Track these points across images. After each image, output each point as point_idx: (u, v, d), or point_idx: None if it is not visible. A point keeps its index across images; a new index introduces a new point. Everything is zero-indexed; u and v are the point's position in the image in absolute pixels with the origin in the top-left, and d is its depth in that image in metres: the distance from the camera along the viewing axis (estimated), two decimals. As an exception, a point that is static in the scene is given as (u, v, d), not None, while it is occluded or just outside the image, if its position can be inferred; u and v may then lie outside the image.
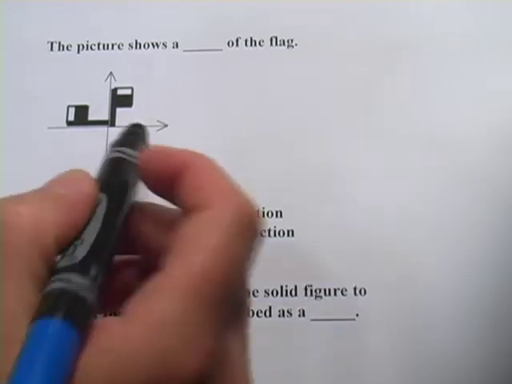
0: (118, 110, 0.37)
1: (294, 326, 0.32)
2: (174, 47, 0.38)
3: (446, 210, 0.35)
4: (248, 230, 0.24)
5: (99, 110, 0.37)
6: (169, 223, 0.26)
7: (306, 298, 0.33)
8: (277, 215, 0.34)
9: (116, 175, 0.27)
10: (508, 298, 0.33)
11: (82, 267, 0.23)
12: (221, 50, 0.38)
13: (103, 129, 0.36)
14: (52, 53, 0.38)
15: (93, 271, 0.23)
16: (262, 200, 0.35)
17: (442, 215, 0.35)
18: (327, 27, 0.38)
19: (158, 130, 0.36)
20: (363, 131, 0.36)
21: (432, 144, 0.36)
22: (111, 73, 0.37)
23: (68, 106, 0.37)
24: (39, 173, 0.35)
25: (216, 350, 0.22)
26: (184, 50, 0.38)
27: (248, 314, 0.25)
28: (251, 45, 0.38)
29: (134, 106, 0.37)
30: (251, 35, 0.38)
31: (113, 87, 0.37)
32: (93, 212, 0.25)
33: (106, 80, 0.37)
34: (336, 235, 0.34)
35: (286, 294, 0.33)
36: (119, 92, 0.37)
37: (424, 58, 0.38)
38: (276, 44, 0.38)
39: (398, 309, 0.33)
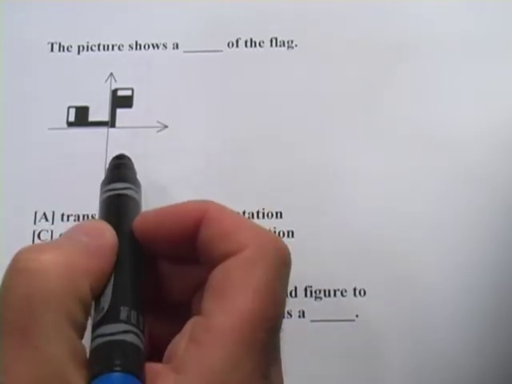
0: (119, 111, 0.37)
1: (294, 327, 0.32)
2: (174, 48, 0.38)
3: (445, 210, 0.35)
4: (285, 265, 0.24)
5: (99, 110, 0.37)
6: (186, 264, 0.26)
7: (305, 299, 0.33)
8: (277, 216, 0.34)
9: (114, 215, 0.27)
10: (508, 298, 0.33)
11: (111, 315, 0.23)
12: (221, 51, 0.38)
13: (103, 130, 0.36)
14: (52, 53, 0.38)
15: (123, 314, 0.23)
16: (262, 201, 0.35)
17: (441, 215, 0.35)
18: (327, 28, 0.38)
19: (158, 131, 0.36)
20: (363, 131, 0.36)
21: (432, 144, 0.36)
22: (111, 74, 0.37)
23: (68, 107, 0.37)
24: (39, 173, 0.35)
25: None
26: (184, 51, 0.38)
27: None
28: (251, 46, 0.38)
29: (134, 106, 0.37)
30: (251, 36, 0.38)
31: (113, 88, 0.37)
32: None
33: (107, 81, 0.37)
34: (336, 235, 0.34)
35: (286, 295, 0.33)
36: (119, 93, 0.37)
37: (424, 58, 0.38)
38: (276, 45, 0.38)
39: (397, 309, 0.33)
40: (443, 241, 0.34)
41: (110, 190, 0.28)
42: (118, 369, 0.21)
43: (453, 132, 0.36)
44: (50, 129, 0.36)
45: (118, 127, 0.36)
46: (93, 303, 0.24)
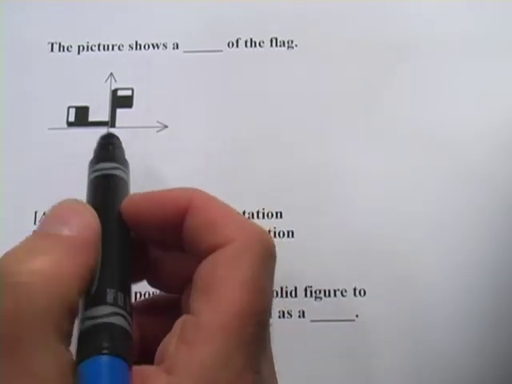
0: (119, 111, 0.37)
1: (294, 327, 0.32)
2: (174, 48, 0.38)
3: (445, 210, 0.35)
4: (271, 258, 0.24)
5: (99, 110, 0.37)
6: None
7: (305, 299, 0.33)
8: (277, 216, 0.34)
9: (102, 196, 0.26)
10: (508, 298, 0.33)
11: (98, 298, 0.23)
12: (221, 50, 0.38)
13: (103, 130, 0.36)
14: (52, 53, 0.38)
15: (109, 297, 0.23)
16: (262, 201, 0.35)
17: (441, 215, 0.35)
18: (327, 28, 0.38)
19: (158, 131, 0.36)
20: (363, 131, 0.36)
21: (432, 144, 0.36)
22: (111, 74, 0.37)
23: (68, 107, 0.37)
24: (39, 174, 0.35)
25: (260, 382, 0.22)
26: (184, 51, 0.38)
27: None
28: (251, 46, 0.38)
29: (134, 106, 0.37)
30: (251, 36, 0.38)
31: (113, 88, 0.37)
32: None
33: (107, 81, 0.37)
34: (336, 235, 0.34)
35: (286, 295, 0.33)
36: (119, 93, 0.37)
37: (424, 58, 0.38)
38: (276, 45, 0.38)
39: (397, 309, 0.33)
40: (443, 241, 0.34)
41: (98, 170, 0.28)
42: (105, 351, 0.21)
43: (453, 132, 0.36)
44: (49, 129, 0.36)
45: (118, 127, 0.36)
46: None
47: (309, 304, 0.33)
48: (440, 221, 0.34)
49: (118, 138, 0.30)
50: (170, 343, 0.22)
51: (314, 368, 0.32)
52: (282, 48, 0.38)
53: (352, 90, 0.37)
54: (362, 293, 0.33)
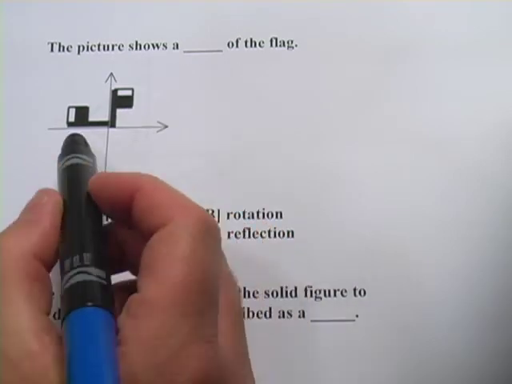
0: (119, 111, 0.37)
1: (294, 327, 0.32)
2: (174, 48, 0.38)
3: (446, 210, 0.35)
4: (210, 235, 0.25)
5: (99, 110, 0.37)
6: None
7: (305, 299, 0.33)
8: (277, 216, 0.34)
9: (68, 183, 0.29)
10: (508, 298, 0.33)
11: (61, 272, 0.25)
12: (221, 51, 0.38)
13: (103, 130, 0.36)
14: (52, 54, 0.38)
15: (66, 266, 0.25)
16: (262, 201, 0.35)
17: (442, 215, 0.35)
18: (327, 28, 0.38)
19: (158, 131, 0.36)
20: (363, 131, 0.36)
21: (432, 144, 0.36)
22: (111, 74, 0.37)
23: (68, 107, 0.37)
24: (39, 174, 0.35)
25: (212, 353, 0.23)
26: (184, 51, 0.38)
27: (243, 314, 0.26)
28: (251, 46, 0.38)
29: (134, 106, 0.37)
30: (251, 36, 0.38)
31: (113, 88, 0.37)
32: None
33: (107, 81, 0.37)
34: (336, 235, 0.34)
35: (286, 295, 0.33)
36: (119, 93, 0.37)
37: (424, 58, 0.38)
38: (276, 45, 0.38)
39: (397, 309, 0.33)
40: (443, 241, 0.34)
41: (63, 163, 0.31)
42: (97, 303, 0.24)
43: (453, 132, 0.36)
44: (49, 129, 0.36)
45: (118, 127, 0.36)
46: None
47: (309, 304, 0.33)
48: (440, 221, 0.34)
49: (79, 135, 0.33)
50: (121, 319, 0.23)
51: (314, 368, 0.32)
52: (282, 48, 0.38)
53: (352, 89, 0.37)
54: (362, 293, 0.33)
